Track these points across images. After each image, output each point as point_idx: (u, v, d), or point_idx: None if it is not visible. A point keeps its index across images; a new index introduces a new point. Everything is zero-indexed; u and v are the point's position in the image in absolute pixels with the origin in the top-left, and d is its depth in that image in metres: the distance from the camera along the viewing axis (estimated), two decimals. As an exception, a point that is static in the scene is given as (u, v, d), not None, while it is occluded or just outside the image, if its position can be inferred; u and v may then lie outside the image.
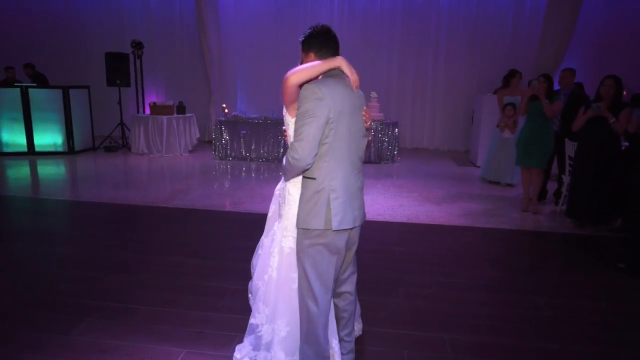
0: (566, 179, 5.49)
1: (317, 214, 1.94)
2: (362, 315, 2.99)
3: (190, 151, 9.33)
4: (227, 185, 6.81)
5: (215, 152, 8.76)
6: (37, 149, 8.71)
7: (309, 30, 2.02)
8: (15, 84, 8.75)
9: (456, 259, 4.09)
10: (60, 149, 8.82)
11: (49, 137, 8.76)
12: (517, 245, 4.57)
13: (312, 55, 2.00)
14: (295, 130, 1.87)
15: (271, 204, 2.19)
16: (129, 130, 9.35)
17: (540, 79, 5.21)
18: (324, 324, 2.01)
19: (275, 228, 2.13)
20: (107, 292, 3.32)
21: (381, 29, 10.04)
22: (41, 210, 5.55)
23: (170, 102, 9.34)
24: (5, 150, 8.61)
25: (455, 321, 3.02)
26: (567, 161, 5.47)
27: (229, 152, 8.69)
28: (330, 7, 10.17)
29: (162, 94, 11.00)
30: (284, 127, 2.12)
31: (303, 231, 1.98)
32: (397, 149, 8.69)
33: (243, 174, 7.64)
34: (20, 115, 8.52)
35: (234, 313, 3.01)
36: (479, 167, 7.84)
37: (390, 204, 5.82)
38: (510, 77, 6.72)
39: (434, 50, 10.03)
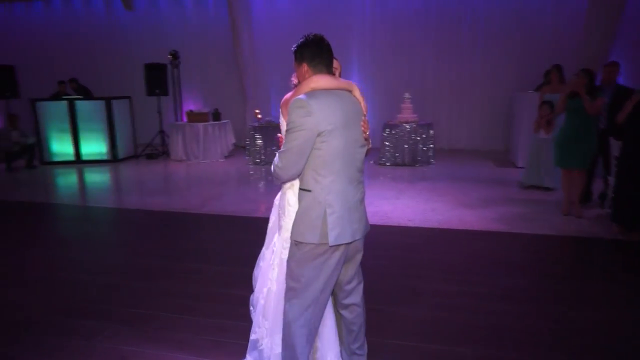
0: (612, 180, 5.13)
1: (313, 228, 1.90)
2: (380, 325, 2.92)
3: (226, 157, 9.52)
4: (259, 191, 6.89)
5: (249, 157, 8.89)
6: (83, 157, 9.18)
7: (301, 40, 1.97)
8: (63, 97, 9.26)
9: (486, 266, 3.91)
10: (104, 157, 9.26)
11: (94, 146, 9.22)
12: (554, 251, 4.30)
13: (305, 65, 1.95)
14: (284, 139, 1.86)
15: (271, 214, 2.16)
16: (168, 137, 9.68)
17: (580, 74, 4.90)
18: (304, 335, 1.96)
19: (275, 240, 2.10)
20: (132, 298, 3.41)
21: (414, 27, 9.83)
22: (83, 218, 5.82)
23: (206, 110, 9.58)
24: (55, 159, 9.14)
25: (479, 334, 2.87)
26: (613, 161, 5.11)
27: (262, 157, 8.79)
28: (362, 9, 10.08)
29: (199, 101, 11.30)
30: (279, 135, 2.10)
31: (296, 243, 1.94)
32: (432, 150, 8.46)
33: (270, 179, 7.69)
34: (68, 126, 9.02)
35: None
36: (520, 168, 7.49)
37: (422, 208, 5.66)
38: (549, 73, 6.36)
39: (470, 47, 9.71)
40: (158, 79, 9.58)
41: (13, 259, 4.29)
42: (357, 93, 2.01)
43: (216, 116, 9.45)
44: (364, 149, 2.03)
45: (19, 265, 4.15)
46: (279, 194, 2.18)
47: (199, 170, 8.44)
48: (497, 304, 3.24)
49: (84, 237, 5.04)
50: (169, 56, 9.65)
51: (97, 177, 8.16)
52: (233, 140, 9.79)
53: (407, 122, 8.30)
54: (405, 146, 8.25)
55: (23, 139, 8.63)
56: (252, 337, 2.14)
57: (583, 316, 3.07)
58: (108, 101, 9.10)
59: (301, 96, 1.84)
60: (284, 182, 1.97)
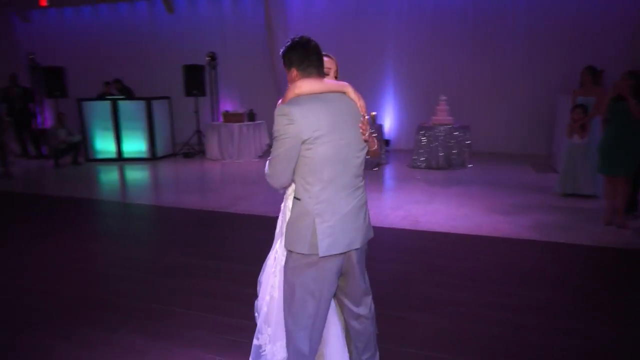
0: (660, 189, 4.80)
1: (302, 238, 1.85)
2: (395, 332, 2.86)
3: (260, 156, 9.64)
4: (288, 191, 6.91)
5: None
6: (124, 155, 9.55)
7: (287, 43, 1.90)
8: (107, 97, 9.67)
9: (514, 276, 3.75)
10: (144, 156, 9.59)
11: (134, 145, 9.57)
12: (591, 263, 4.07)
13: (294, 70, 1.88)
14: (272, 147, 1.85)
15: (278, 219, 2.16)
16: (204, 137, 9.91)
17: (624, 76, 4.62)
18: (306, 342, 1.92)
19: (277, 246, 2.09)
20: (155, 294, 3.50)
21: (452, 26, 9.59)
22: (120, 214, 6.06)
23: (241, 110, 9.74)
24: (98, 156, 9.56)
25: (500, 348, 2.75)
26: (661, 169, 4.78)
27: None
28: (399, 8, 9.93)
29: (235, 102, 11.51)
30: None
31: (289, 251, 1.91)
32: (468, 153, 8.23)
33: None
34: (111, 125, 9.41)
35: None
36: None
37: (453, 213, 5.50)
38: (583, 75, 6.01)
39: (511, 47, 9.35)
40: (196, 79, 9.83)
41: (47, 250, 4.50)
42: (351, 94, 1.92)
43: (251, 117, 9.59)
44: (363, 152, 1.94)
45: (52, 256, 4.36)
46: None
47: (232, 170, 8.60)
48: (522, 316, 3.09)
49: (119, 232, 5.24)
50: (207, 57, 9.88)
51: (136, 175, 8.47)
52: (267, 141, 9.90)
53: (442, 125, 8.11)
54: (440, 149, 8.07)
55: (70, 137, 9.07)
56: (255, 342, 2.14)
57: (621, 336, 2.88)
58: (148, 101, 9.42)
59: (284, 105, 1.80)
60: (278, 190, 1.95)
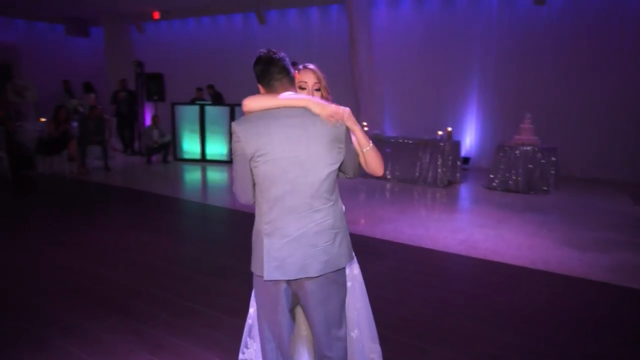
0: None
1: (257, 259, 1.81)
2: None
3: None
4: (349, 202, 6.85)
5: (352, 169, 8.90)
6: (207, 157, 10.22)
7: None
8: (196, 102, 10.44)
9: (572, 323, 3.30)
10: (224, 158, 10.17)
11: (216, 147, 10.19)
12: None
13: (260, 86, 1.83)
14: None
15: None
16: (281, 144, 10.21)
17: None
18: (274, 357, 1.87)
19: None
20: (191, 292, 3.67)
21: (545, 42, 8.82)
22: (194, 213, 6.49)
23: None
24: (185, 157, 10.34)
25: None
26: None
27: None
28: (488, 19, 9.39)
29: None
30: None
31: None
32: (552, 177, 7.49)
33: (369, 193, 7.60)
34: (197, 128, 10.13)
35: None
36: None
37: (518, 242, 5.03)
38: None
39: (615, 62, 8.35)
40: (277, 88, 10.18)
41: (113, 240, 4.94)
42: (313, 107, 1.74)
43: (325, 126, 9.68)
44: (327, 171, 1.76)
45: (116, 246, 4.78)
46: None
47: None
48: (568, 369, 2.71)
49: (185, 230, 5.62)
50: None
51: (216, 176, 9.04)
52: (340, 151, 9.93)
53: (525, 144, 7.48)
54: (520, 170, 7.44)
55: (161, 137, 9.92)
56: (241, 357, 2.13)
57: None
58: (232, 107, 9.99)
59: (235, 122, 1.78)
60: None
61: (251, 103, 1.78)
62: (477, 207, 6.73)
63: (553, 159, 7.46)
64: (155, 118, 9.91)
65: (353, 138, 1.88)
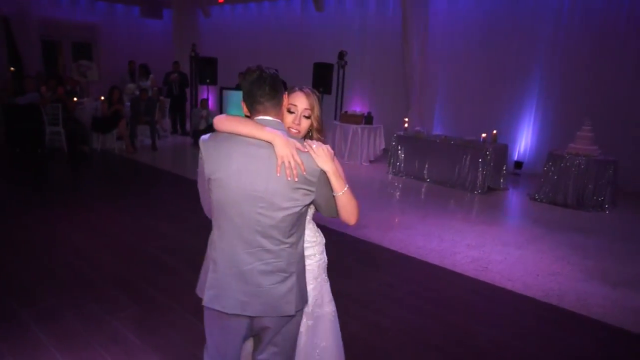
0: None
1: (201, 281, 1.76)
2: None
3: (371, 161, 9.38)
4: (372, 201, 6.56)
5: (390, 166, 8.54)
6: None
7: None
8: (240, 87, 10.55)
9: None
10: (266, 145, 10.22)
11: (260, 134, 10.26)
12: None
13: (242, 103, 1.70)
14: None
15: None
16: (322, 134, 10.04)
17: None
18: None
19: None
20: (176, 288, 3.68)
21: (624, 38, 7.74)
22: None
23: (360, 112, 9.57)
24: (229, 141, 10.54)
25: None
26: None
27: (402, 168, 8.33)
28: (557, 15, 8.41)
29: (365, 102, 11.35)
30: None
31: None
32: (610, 193, 6.62)
33: (398, 193, 7.23)
34: (241, 114, 10.23)
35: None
36: None
37: (539, 268, 4.48)
38: None
39: None
40: (324, 77, 9.97)
41: (132, 225, 5.12)
42: (278, 148, 1.56)
43: (368, 119, 9.36)
44: (287, 212, 1.60)
45: (129, 231, 4.94)
46: None
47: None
48: None
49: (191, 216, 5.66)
50: (338, 57, 9.93)
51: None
52: (383, 146, 9.57)
53: (580, 154, 6.67)
54: (571, 183, 6.66)
55: (209, 119, 10.17)
56: None
57: None
58: (277, 94, 9.96)
59: (202, 139, 1.71)
60: None
61: (222, 123, 1.66)
62: (511, 221, 6.14)
63: (611, 172, 6.57)
64: (204, 101, 10.17)
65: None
